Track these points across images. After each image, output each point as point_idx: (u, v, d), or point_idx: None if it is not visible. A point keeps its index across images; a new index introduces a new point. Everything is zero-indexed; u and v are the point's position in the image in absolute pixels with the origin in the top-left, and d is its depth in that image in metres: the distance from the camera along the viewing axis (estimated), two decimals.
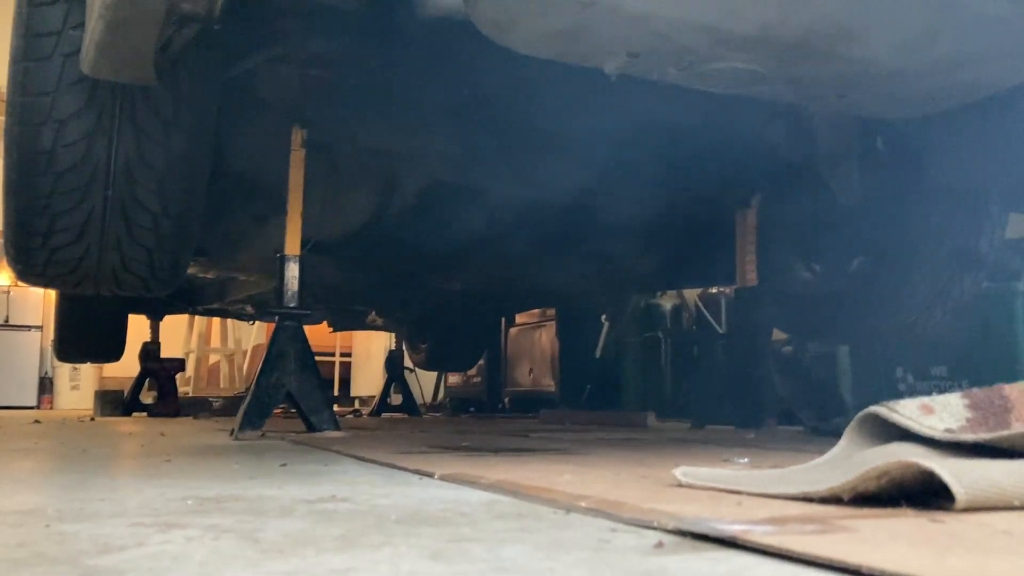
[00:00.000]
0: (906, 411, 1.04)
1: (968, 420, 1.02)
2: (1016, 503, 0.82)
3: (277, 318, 2.41)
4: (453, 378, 6.49)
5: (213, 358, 8.55)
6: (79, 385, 8.55)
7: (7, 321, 8.69)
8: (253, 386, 2.36)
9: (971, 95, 1.80)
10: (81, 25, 1.72)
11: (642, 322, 4.88)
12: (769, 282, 3.02)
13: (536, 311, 5.50)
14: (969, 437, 0.99)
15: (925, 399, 1.05)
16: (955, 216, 2.74)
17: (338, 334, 6.93)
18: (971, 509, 0.80)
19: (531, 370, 5.59)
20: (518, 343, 5.80)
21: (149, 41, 1.55)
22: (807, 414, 3.13)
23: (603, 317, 5.04)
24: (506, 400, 5.89)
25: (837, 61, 1.64)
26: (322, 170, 2.57)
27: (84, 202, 2.00)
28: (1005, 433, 0.98)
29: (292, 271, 2.41)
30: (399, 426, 3.59)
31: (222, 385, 8.14)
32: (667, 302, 4.90)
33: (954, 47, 1.58)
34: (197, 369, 8.16)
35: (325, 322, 5.46)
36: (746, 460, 1.51)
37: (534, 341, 5.60)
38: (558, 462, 1.52)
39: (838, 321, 3.03)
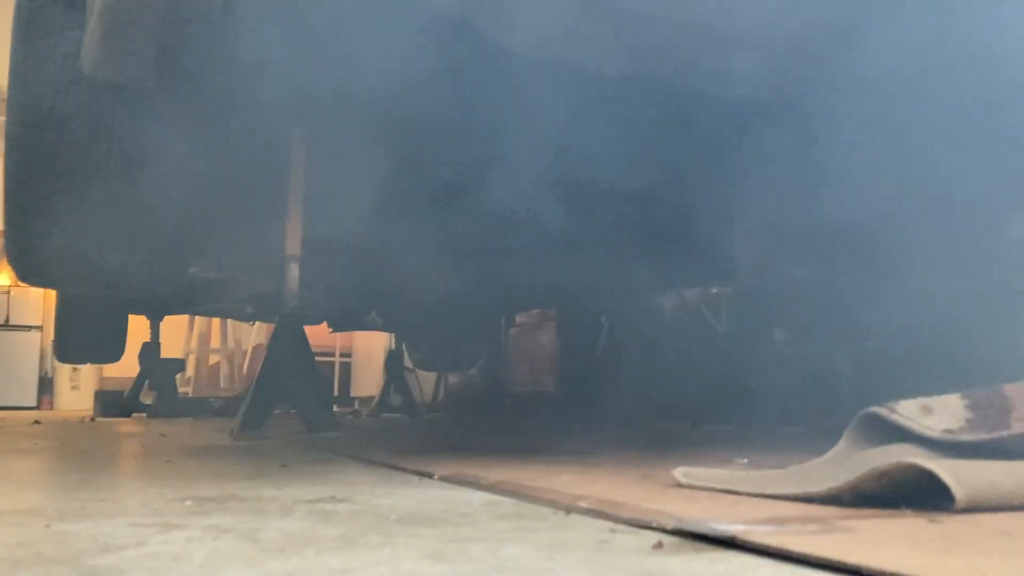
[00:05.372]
0: (906, 411, 1.04)
1: (968, 420, 1.02)
2: (1016, 504, 0.82)
3: (277, 318, 2.41)
4: (453, 378, 6.49)
5: (213, 358, 8.54)
6: (79, 386, 8.55)
7: (7, 321, 8.68)
8: (253, 387, 2.36)
9: None
10: (81, 25, 1.72)
11: (642, 322, 4.88)
12: (769, 281, 3.02)
13: (536, 311, 5.50)
14: (969, 438, 0.99)
15: (925, 399, 1.05)
16: (956, 214, 2.73)
17: (338, 334, 6.92)
18: (970, 510, 0.80)
19: (531, 370, 5.59)
20: (518, 343, 5.80)
21: (149, 41, 1.56)
22: (807, 414, 3.13)
23: (603, 317, 5.04)
24: (506, 400, 5.89)
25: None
26: (322, 170, 2.57)
27: (84, 202, 2.00)
28: (1005, 434, 0.98)
29: (292, 271, 2.41)
30: (399, 426, 3.59)
31: (222, 385, 8.13)
32: (667, 302, 4.90)
33: None
34: (197, 369, 8.15)
35: (325, 322, 5.46)
36: (746, 460, 1.51)
37: (534, 341, 5.60)
38: (558, 462, 1.52)
39: (838, 320, 3.03)
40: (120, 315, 4.56)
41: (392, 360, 5.46)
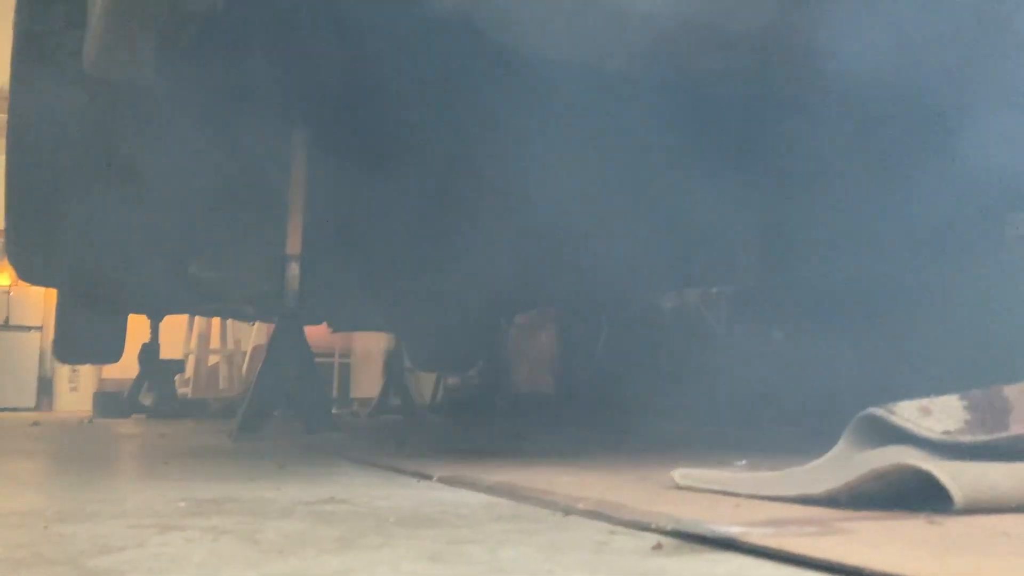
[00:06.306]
0: (904, 413, 1.04)
1: (967, 422, 1.02)
2: (1014, 505, 0.82)
3: (277, 319, 2.42)
4: (452, 379, 6.48)
5: (213, 359, 8.54)
6: (78, 386, 8.54)
7: (7, 322, 8.67)
8: (252, 387, 2.36)
9: None
10: (81, 25, 1.72)
11: (642, 322, 4.88)
12: (769, 280, 3.02)
13: (536, 311, 5.50)
14: (967, 439, 0.99)
15: (923, 400, 1.05)
16: (957, 212, 2.72)
17: (338, 334, 6.92)
18: (969, 511, 0.80)
19: (531, 371, 5.59)
20: (518, 343, 5.79)
21: (150, 40, 1.56)
22: (807, 414, 3.13)
23: (603, 317, 5.04)
24: (505, 401, 5.88)
25: None
26: (320, 170, 2.57)
27: (85, 201, 2.00)
28: (1003, 435, 0.98)
29: (292, 271, 2.41)
30: (398, 427, 3.59)
31: (222, 386, 8.12)
32: (667, 302, 4.89)
33: None
34: (197, 370, 8.14)
35: (325, 322, 5.46)
36: (744, 461, 1.51)
37: (534, 341, 5.59)
38: (557, 463, 1.52)
39: (836, 320, 3.03)
40: (120, 315, 4.56)
41: (391, 361, 5.46)
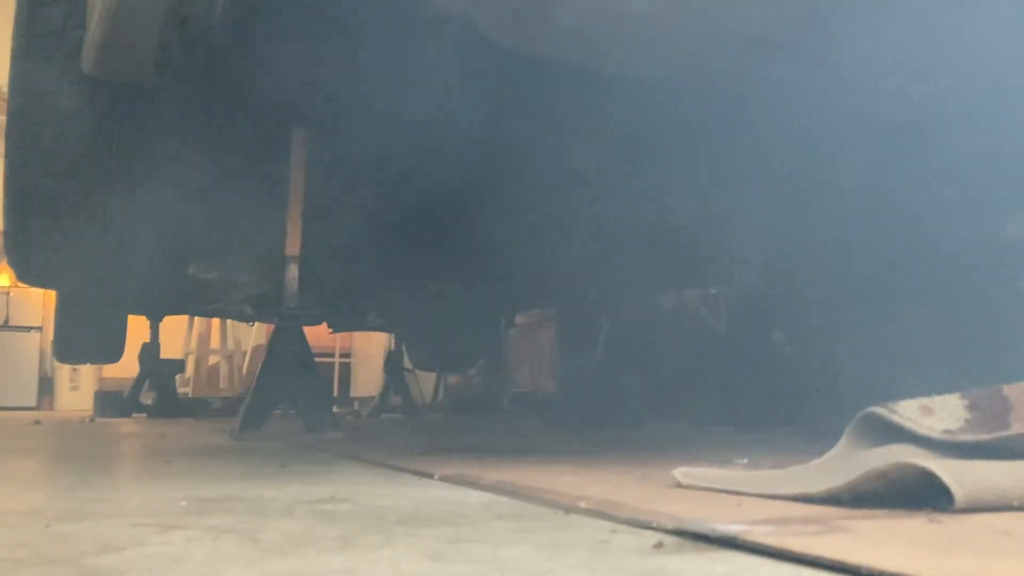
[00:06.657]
0: (906, 412, 1.04)
1: (967, 421, 1.02)
2: (1015, 504, 0.82)
3: (277, 319, 2.42)
4: (453, 378, 6.49)
5: (213, 359, 8.54)
6: (79, 386, 8.55)
7: (7, 322, 8.69)
8: (253, 387, 2.36)
9: None
10: (81, 25, 1.72)
11: (642, 322, 4.87)
12: (770, 281, 3.02)
13: (536, 311, 5.50)
14: (968, 438, 0.99)
15: (924, 399, 1.05)
16: (958, 213, 2.72)
17: (338, 334, 6.92)
18: (970, 510, 0.80)
19: (531, 370, 5.59)
20: (518, 343, 5.79)
21: (150, 41, 1.56)
22: (807, 414, 3.13)
23: (603, 317, 5.04)
24: (506, 400, 5.89)
25: None
26: (321, 170, 2.57)
27: (84, 202, 2.00)
28: (1004, 434, 0.98)
29: (292, 272, 2.41)
30: (398, 427, 3.59)
31: (222, 386, 8.13)
32: (667, 302, 4.89)
33: None
34: (197, 370, 8.15)
35: (325, 322, 5.46)
36: (746, 460, 1.51)
37: (534, 341, 5.60)
38: (558, 463, 1.52)
39: (838, 320, 3.03)
40: (120, 315, 4.56)
41: (392, 360, 5.46)
